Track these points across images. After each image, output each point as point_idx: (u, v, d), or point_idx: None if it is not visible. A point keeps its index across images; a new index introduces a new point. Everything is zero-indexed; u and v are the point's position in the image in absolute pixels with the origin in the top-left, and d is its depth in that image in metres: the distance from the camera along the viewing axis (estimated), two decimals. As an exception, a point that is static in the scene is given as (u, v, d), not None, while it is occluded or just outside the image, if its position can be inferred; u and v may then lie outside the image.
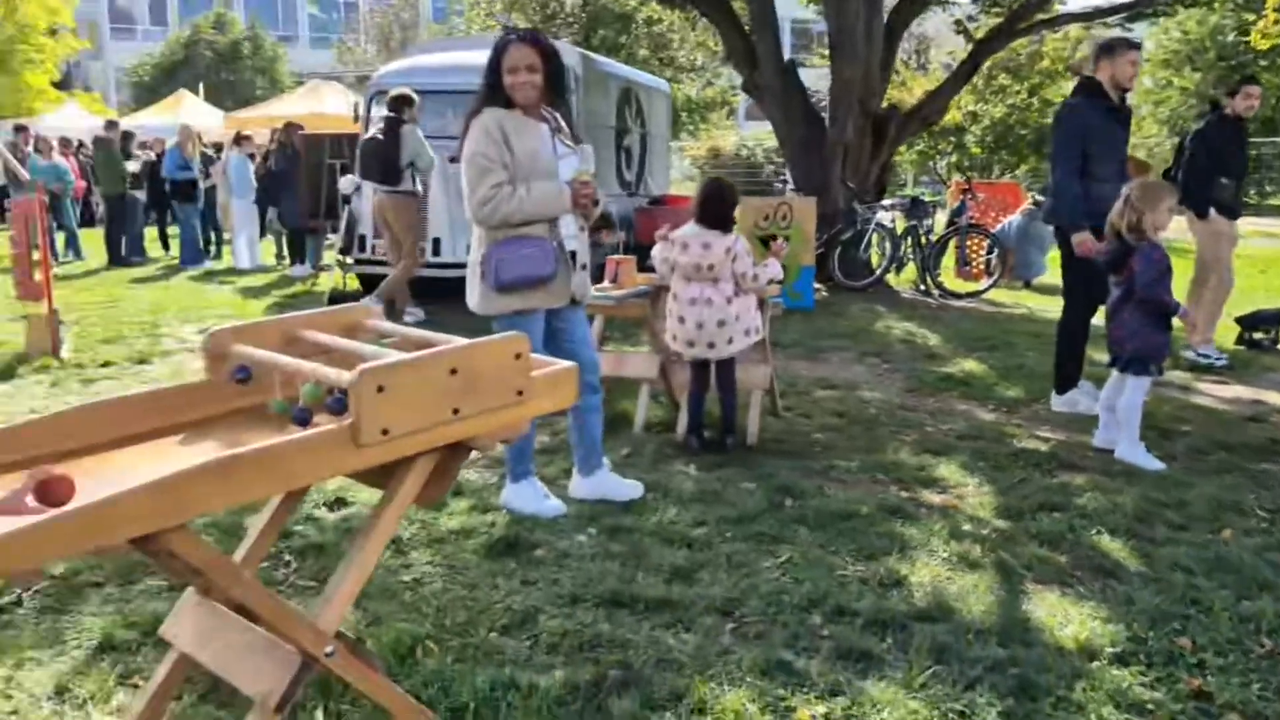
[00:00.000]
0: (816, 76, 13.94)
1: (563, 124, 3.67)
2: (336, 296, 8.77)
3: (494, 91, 3.52)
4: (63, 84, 29.30)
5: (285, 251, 12.26)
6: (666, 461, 4.43)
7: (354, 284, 9.43)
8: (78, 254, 12.82)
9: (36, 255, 6.45)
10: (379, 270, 8.75)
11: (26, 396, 5.55)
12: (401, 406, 1.94)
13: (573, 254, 3.64)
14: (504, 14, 17.27)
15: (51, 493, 1.71)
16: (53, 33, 25.91)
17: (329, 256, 10.38)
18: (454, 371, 2.03)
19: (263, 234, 12.52)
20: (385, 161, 7.62)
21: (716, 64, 20.23)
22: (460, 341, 2.19)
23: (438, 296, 8.16)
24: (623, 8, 17.87)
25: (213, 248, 13.30)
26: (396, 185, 7.69)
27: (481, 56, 9.01)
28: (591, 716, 2.41)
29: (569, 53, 9.87)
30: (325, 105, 19.38)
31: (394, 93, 7.73)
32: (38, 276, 6.43)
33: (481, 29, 17.50)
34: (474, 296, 3.61)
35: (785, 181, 19.51)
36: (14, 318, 7.48)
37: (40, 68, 25.50)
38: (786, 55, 10.75)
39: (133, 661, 2.65)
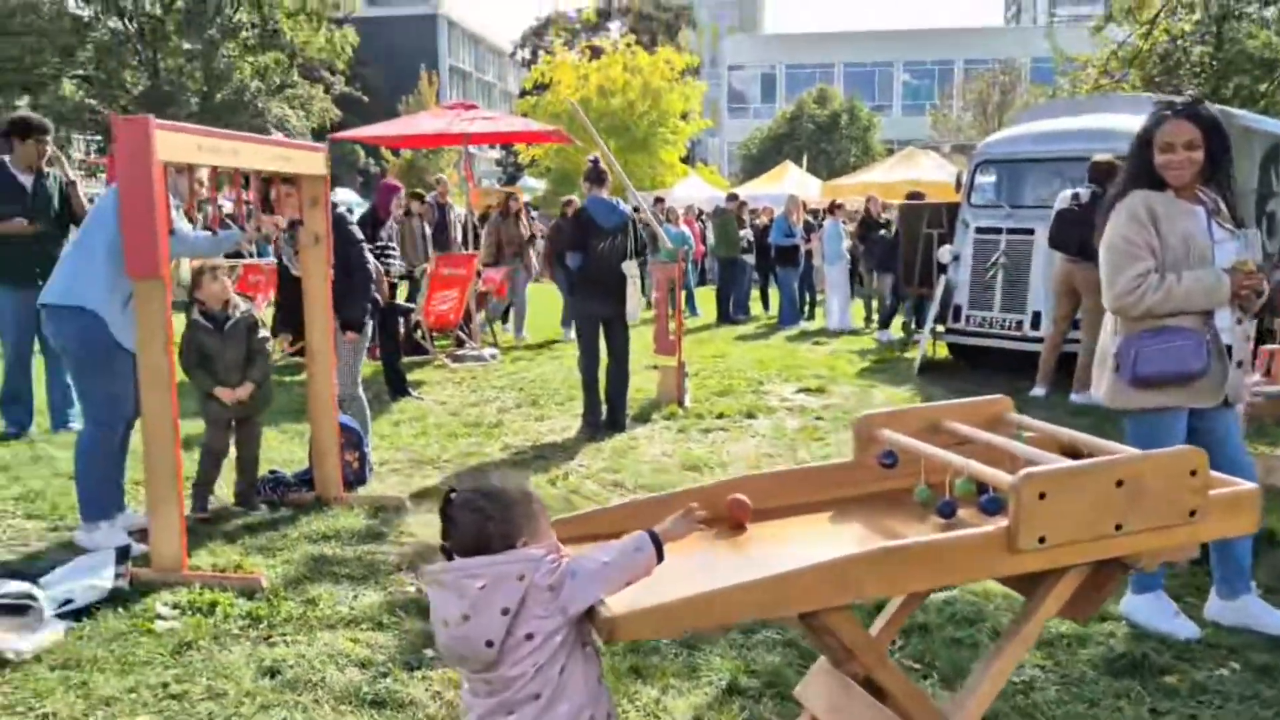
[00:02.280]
0: None
1: (1221, 205, 3.29)
2: (926, 365, 8.82)
3: (1143, 170, 3.27)
4: (686, 159, 33.53)
5: (874, 315, 12.68)
6: (1329, 594, 3.71)
7: (943, 352, 9.42)
8: (693, 311, 14.49)
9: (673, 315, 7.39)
10: (971, 341, 8.64)
11: (659, 440, 6.36)
12: (1062, 515, 1.86)
13: (1228, 348, 3.24)
14: (1121, 71, 16.16)
15: (736, 512, 2.17)
16: (684, 117, 29.87)
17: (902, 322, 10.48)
18: (1120, 483, 1.89)
19: (852, 297, 13.08)
20: (1085, 232, 7.35)
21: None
22: (1127, 451, 2.04)
23: (1030, 371, 7.81)
24: (1268, 52, 15.71)
25: (807, 308, 14.19)
26: (1093, 256, 7.40)
27: (1093, 120, 8.34)
28: None
29: (1201, 110, 8.91)
30: (918, 172, 19.76)
31: (1098, 158, 7.43)
32: (672, 334, 7.36)
33: (1092, 89, 16.55)
34: (1103, 387, 3.37)
35: None
36: (647, 366, 8.65)
37: (673, 147, 29.53)
38: None
39: (755, 709, 2.85)
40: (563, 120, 25.23)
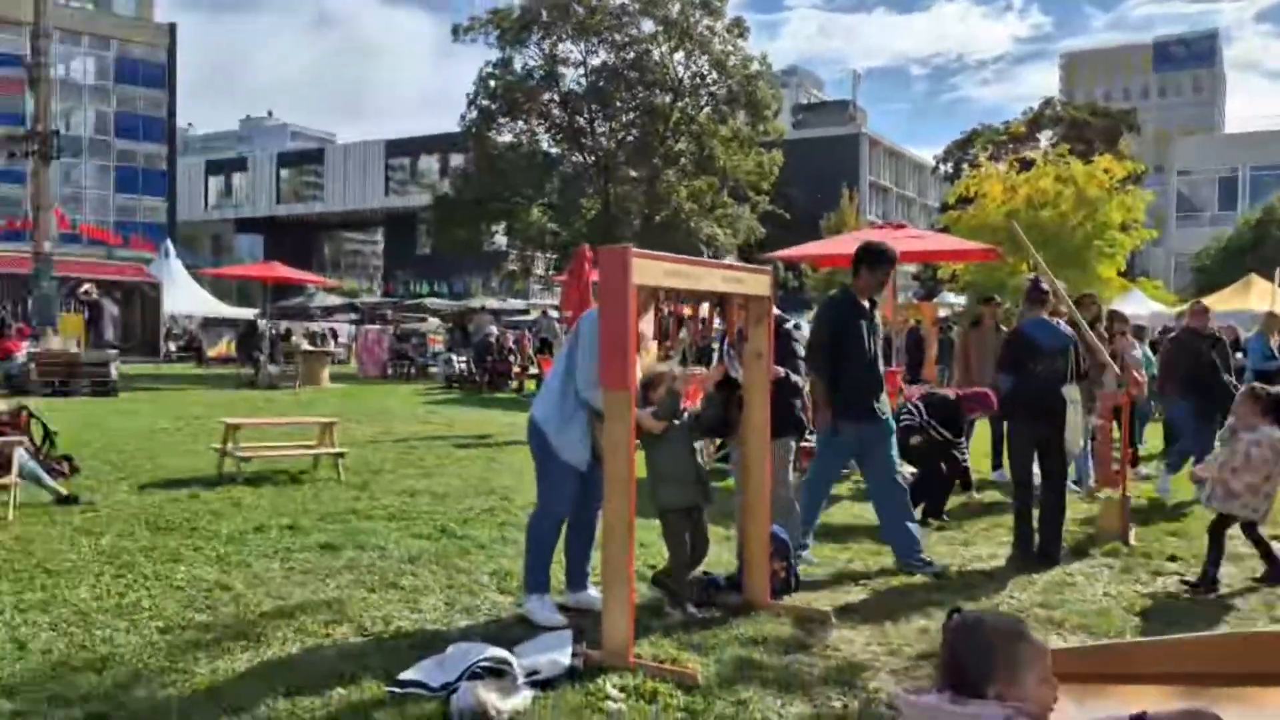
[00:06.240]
0: None
1: None
2: None
3: None
4: (1126, 273, 31.03)
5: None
6: None
7: None
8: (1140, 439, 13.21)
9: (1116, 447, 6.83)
10: None
11: (1100, 579, 5.84)
12: None
13: None
14: None
15: None
16: (1124, 228, 27.78)
17: None
18: None
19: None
20: None
21: None
22: None
23: None
24: None
25: None
26: None
27: None
28: None
29: None
30: None
31: None
32: (1115, 466, 6.81)
33: None
34: None
35: None
36: (1083, 497, 8.02)
37: (1111, 260, 27.51)
38: None
39: None
40: (985, 234, 24.61)
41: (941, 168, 61.50)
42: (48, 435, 8.21)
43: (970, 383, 9.84)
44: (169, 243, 38.07)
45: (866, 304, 5.94)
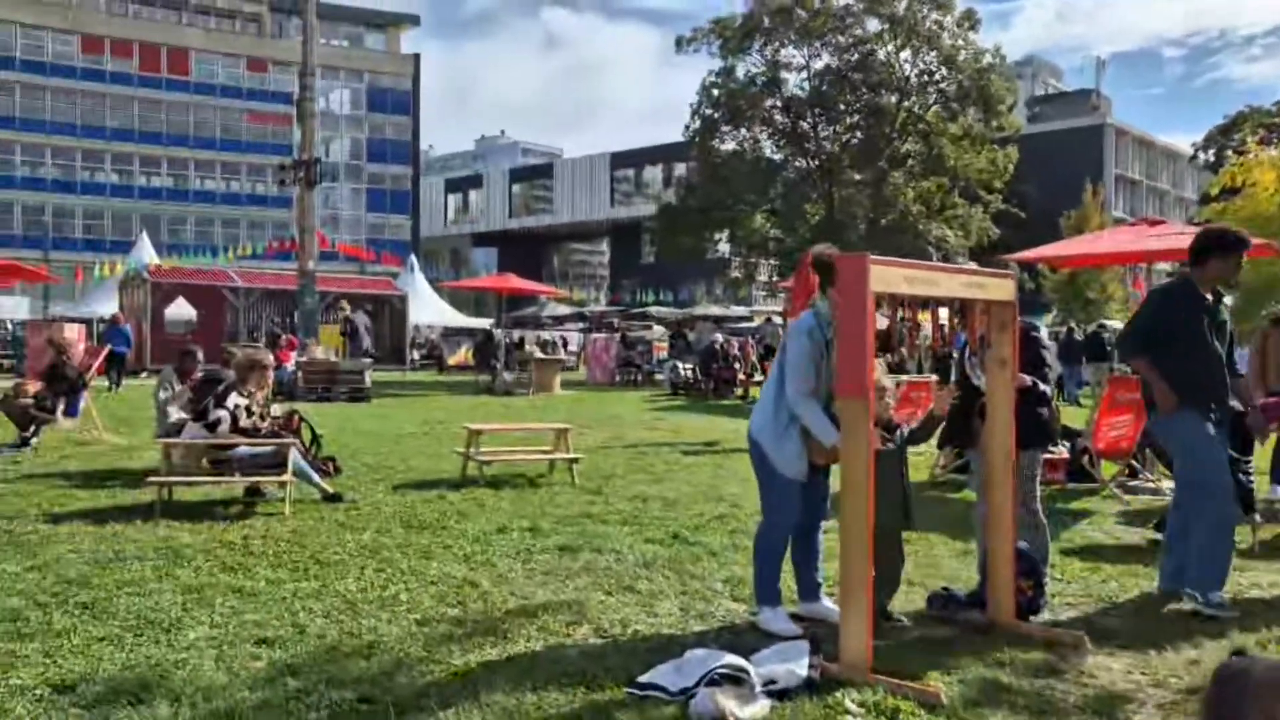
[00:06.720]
0: None
1: None
2: None
3: None
4: None
5: None
6: None
7: None
8: None
9: None
10: None
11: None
12: None
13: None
14: None
15: None
16: None
17: None
18: None
19: None
20: None
21: None
22: None
23: None
24: None
25: None
26: None
27: None
28: None
29: None
30: None
31: None
32: None
33: None
34: None
35: None
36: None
37: None
38: None
39: None
40: (1255, 227, 22.40)
41: (1201, 156, 56.62)
42: (315, 438, 8.95)
43: (1266, 385, 8.90)
44: (413, 258, 40.82)
45: (1210, 296, 5.35)
